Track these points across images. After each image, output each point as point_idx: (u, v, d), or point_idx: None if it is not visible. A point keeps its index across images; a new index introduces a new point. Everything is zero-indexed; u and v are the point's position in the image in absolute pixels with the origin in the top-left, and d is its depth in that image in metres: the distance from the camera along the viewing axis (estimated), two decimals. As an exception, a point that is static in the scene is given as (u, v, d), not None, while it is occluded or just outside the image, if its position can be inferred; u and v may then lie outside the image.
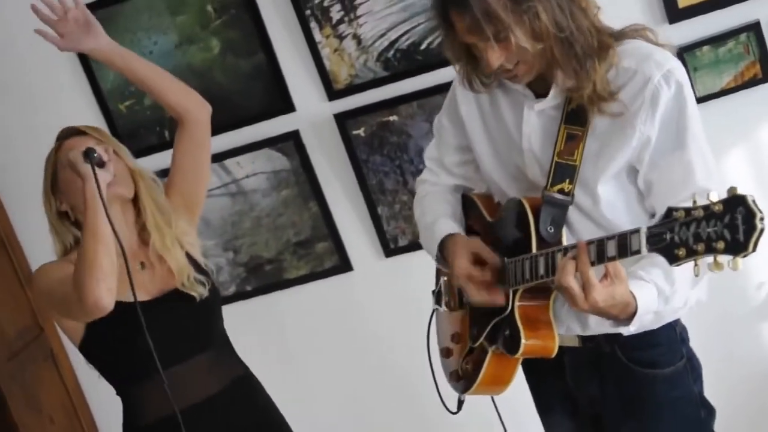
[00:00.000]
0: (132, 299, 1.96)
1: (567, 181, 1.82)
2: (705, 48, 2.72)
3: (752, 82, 2.75)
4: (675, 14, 2.72)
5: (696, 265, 1.46)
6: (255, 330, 3.08)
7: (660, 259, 1.58)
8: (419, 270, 2.41)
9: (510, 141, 1.92)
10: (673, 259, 1.48)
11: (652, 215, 1.83)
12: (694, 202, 1.46)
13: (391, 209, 3.04)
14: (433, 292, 2.20)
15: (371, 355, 3.22)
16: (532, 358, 1.91)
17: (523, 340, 1.84)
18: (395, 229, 3.06)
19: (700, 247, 1.44)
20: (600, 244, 1.62)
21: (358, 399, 3.27)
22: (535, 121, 1.86)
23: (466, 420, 2.24)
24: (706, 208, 1.44)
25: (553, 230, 1.82)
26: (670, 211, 1.49)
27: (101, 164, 1.98)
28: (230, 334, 2.31)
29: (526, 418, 2.25)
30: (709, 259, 1.44)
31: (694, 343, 1.98)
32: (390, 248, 3.09)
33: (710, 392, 1.98)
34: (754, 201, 1.40)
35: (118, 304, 1.99)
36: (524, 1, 1.66)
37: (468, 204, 2.12)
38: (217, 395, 2.17)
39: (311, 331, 3.22)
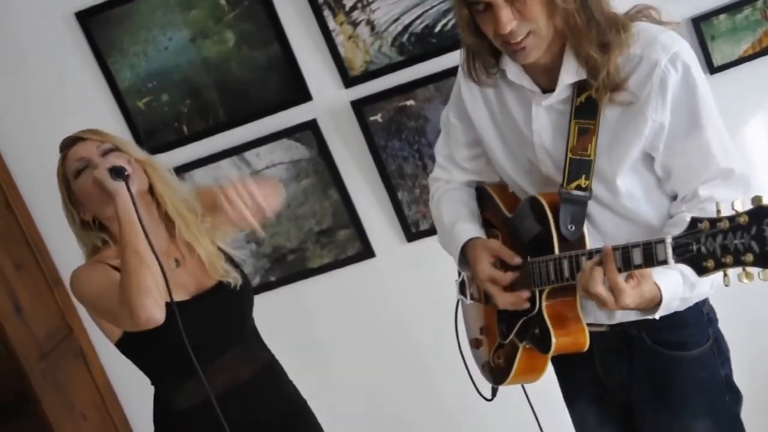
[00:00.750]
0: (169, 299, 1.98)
1: (583, 176, 1.80)
2: (722, 16, 2.70)
3: (771, 49, 2.73)
4: (690, -17, 2.71)
5: (726, 275, 1.46)
6: (281, 320, 3.08)
7: None
8: (442, 253, 2.40)
9: (521, 137, 1.90)
10: (702, 271, 1.48)
11: (674, 198, 1.81)
12: (719, 212, 1.45)
13: (412, 194, 3.04)
14: (457, 281, 2.19)
15: (396, 341, 3.22)
16: None
17: (553, 339, 1.83)
18: (416, 214, 3.06)
19: (729, 259, 1.43)
20: (625, 252, 1.61)
21: (384, 386, 3.28)
22: (545, 117, 1.84)
23: (495, 406, 2.24)
24: (731, 219, 1.43)
25: (573, 228, 1.80)
26: (694, 221, 1.48)
27: (119, 173, 1.99)
28: (257, 324, 2.32)
29: (558, 404, 2.24)
30: (738, 270, 1.43)
31: (729, 338, 1.97)
32: (412, 232, 3.09)
33: (740, 380, 1.96)
34: None
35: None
36: None
37: (484, 196, 2.10)
38: (248, 383, 2.18)
39: (336, 318, 3.23)
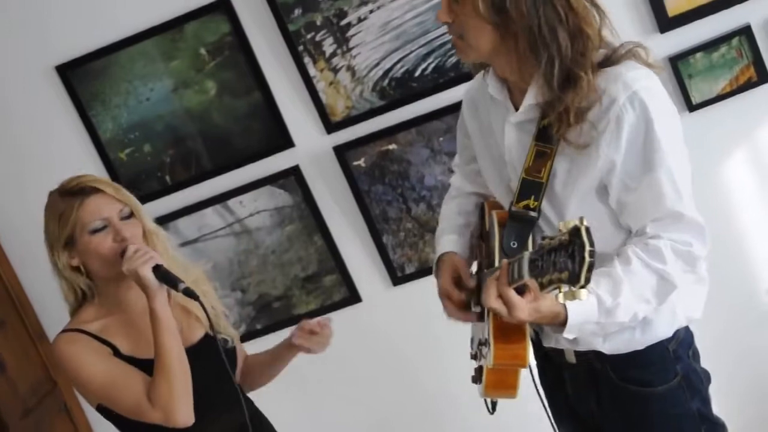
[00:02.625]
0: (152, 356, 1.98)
1: (532, 198, 1.83)
2: (698, 55, 2.73)
3: (748, 86, 2.76)
4: (665, 23, 2.74)
5: (560, 291, 1.49)
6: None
7: (615, 269, 1.67)
8: (428, 296, 2.39)
9: (500, 152, 1.93)
10: (542, 287, 1.53)
11: (630, 232, 1.82)
12: (560, 230, 1.49)
13: (396, 237, 3.04)
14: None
15: (385, 385, 3.20)
16: (540, 372, 1.96)
17: (492, 350, 1.84)
18: (401, 258, 3.05)
19: (555, 276, 1.48)
20: (513, 265, 1.65)
21: (369, 430, 3.25)
22: (513, 134, 1.87)
23: None
24: (559, 237, 1.48)
25: (516, 245, 1.84)
26: (543, 238, 1.55)
27: (173, 282, 1.98)
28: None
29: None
30: (565, 287, 1.47)
31: (704, 350, 1.97)
32: (398, 276, 3.08)
33: (721, 397, 1.96)
34: (588, 232, 1.42)
35: (143, 362, 2.01)
36: None
37: (482, 210, 2.17)
38: None
39: (324, 364, 3.17)
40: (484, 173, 2.04)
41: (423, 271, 3.00)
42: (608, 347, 1.84)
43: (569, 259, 1.44)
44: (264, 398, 2.32)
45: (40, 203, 2.14)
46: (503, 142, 1.89)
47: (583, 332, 1.76)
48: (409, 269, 3.06)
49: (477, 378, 2.07)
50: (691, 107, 2.78)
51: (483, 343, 1.92)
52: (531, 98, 1.79)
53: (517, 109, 1.84)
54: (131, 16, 2.93)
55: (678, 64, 2.73)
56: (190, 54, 2.96)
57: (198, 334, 2.17)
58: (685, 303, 1.84)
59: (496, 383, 1.96)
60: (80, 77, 2.99)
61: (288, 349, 2.29)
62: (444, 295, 2.05)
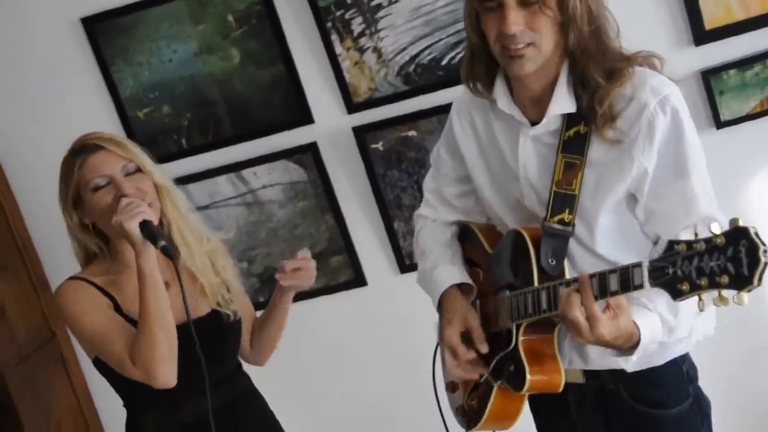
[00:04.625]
0: None
1: (567, 211, 1.78)
2: (731, 71, 2.67)
3: (778, 108, 2.70)
4: (701, 36, 2.68)
5: (700, 299, 1.43)
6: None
7: None
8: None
9: (507, 170, 1.88)
10: (677, 294, 1.45)
11: (655, 242, 1.78)
12: (696, 234, 1.42)
13: (408, 225, 3.01)
14: (437, 324, 2.13)
15: (380, 372, 3.19)
16: (537, 396, 1.87)
17: (528, 376, 1.79)
18: (411, 246, 3.02)
19: (704, 281, 1.41)
20: (602, 278, 1.58)
21: (365, 416, 3.24)
22: (531, 149, 1.82)
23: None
24: (708, 241, 1.40)
25: (554, 262, 1.78)
26: (671, 244, 1.46)
27: (154, 238, 1.92)
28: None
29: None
30: (714, 293, 1.40)
31: (709, 377, 1.93)
32: (405, 264, 3.06)
33: (728, 425, 1.93)
34: (756, 233, 1.36)
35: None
36: None
37: (467, 234, 2.07)
38: (225, 410, 2.13)
39: (322, 345, 3.20)
40: (483, 192, 1.97)
41: (431, 261, 2.98)
42: (632, 364, 1.73)
43: (730, 262, 1.37)
44: (261, 377, 2.30)
45: (52, 154, 2.14)
46: (514, 158, 1.84)
47: (645, 354, 1.69)
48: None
49: (467, 412, 2.00)
50: (719, 124, 2.73)
51: (502, 371, 1.86)
52: (556, 108, 1.75)
53: (533, 124, 1.80)
54: (163, -25, 2.91)
55: (710, 79, 2.67)
56: (218, 19, 2.92)
57: (203, 307, 2.14)
58: (702, 317, 1.77)
59: (497, 415, 1.92)
60: (105, 32, 2.97)
61: (279, 296, 2.23)
62: (450, 350, 1.92)
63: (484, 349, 1.88)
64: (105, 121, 3.02)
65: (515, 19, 1.66)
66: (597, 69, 1.69)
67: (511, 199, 1.91)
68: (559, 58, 1.74)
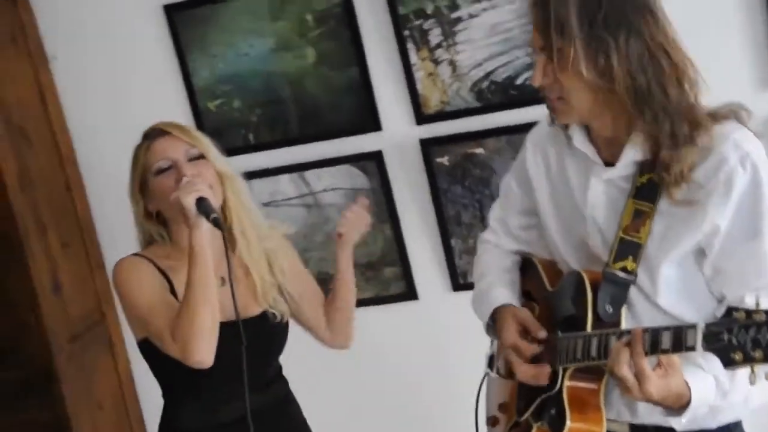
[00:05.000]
0: None
1: (630, 258, 1.72)
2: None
3: None
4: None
5: (753, 372, 1.39)
6: (309, 347, 3.04)
7: None
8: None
9: (574, 207, 1.83)
10: (729, 363, 1.41)
11: (720, 301, 1.72)
12: (758, 304, 1.39)
13: (465, 243, 2.96)
14: (487, 354, 2.11)
15: (422, 390, 3.14)
16: None
17: (568, 422, 1.75)
18: (467, 264, 2.97)
19: (758, 354, 1.38)
20: (655, 334, 1.53)
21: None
22: (601, 191, 1.77)
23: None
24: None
25: (611, 310, 1.72)
26: (730, 310, 1.43)
27: (209, 213, 1.93)
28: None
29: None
30: (767, 368, 1.37)
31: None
32: (459, 282, 3.01)
33: None
34: None
35: None
36: (605, 30, 1.59)
37: (529, 267, 2.04)
38: (260, 414, 2.10)
39: (365, 354, 3.14)
40: (548, 227, 1.92)
41: (486, 283, 2.92)
42: (684, 423, 1.67)
43: None
44: (300, 386, 2.28)
45: (122, 140, 2.18)
46: (584, 197, 1.80)
47: (696, 415, 1.64)
48: (472, 278, 2.98)
49: None
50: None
51: (544, 413, 1.82)
52: (630, 155, 1.71)
53: (606, 164, 1.76)
54: (247, -30, 2.92)
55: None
56: (296, 18, 2.93)
57: (254, 307, 2.13)
58: (762, 383, 1.73)
59: None
60: (185, 20, 2.99)
61: (341, 253, 2.26)
62: (512, 349, 1.86)
63: (543, 334, 1.83)
64: (176, 109, 3.04)
65: (539, 73, 1.68)
66: (671, 122, 1.63)
67: (575, 237, 1.86)
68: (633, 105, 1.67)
